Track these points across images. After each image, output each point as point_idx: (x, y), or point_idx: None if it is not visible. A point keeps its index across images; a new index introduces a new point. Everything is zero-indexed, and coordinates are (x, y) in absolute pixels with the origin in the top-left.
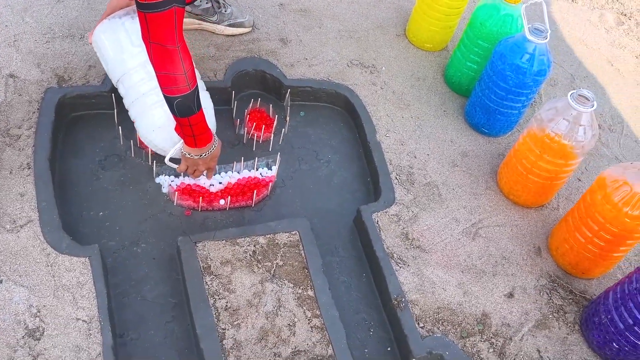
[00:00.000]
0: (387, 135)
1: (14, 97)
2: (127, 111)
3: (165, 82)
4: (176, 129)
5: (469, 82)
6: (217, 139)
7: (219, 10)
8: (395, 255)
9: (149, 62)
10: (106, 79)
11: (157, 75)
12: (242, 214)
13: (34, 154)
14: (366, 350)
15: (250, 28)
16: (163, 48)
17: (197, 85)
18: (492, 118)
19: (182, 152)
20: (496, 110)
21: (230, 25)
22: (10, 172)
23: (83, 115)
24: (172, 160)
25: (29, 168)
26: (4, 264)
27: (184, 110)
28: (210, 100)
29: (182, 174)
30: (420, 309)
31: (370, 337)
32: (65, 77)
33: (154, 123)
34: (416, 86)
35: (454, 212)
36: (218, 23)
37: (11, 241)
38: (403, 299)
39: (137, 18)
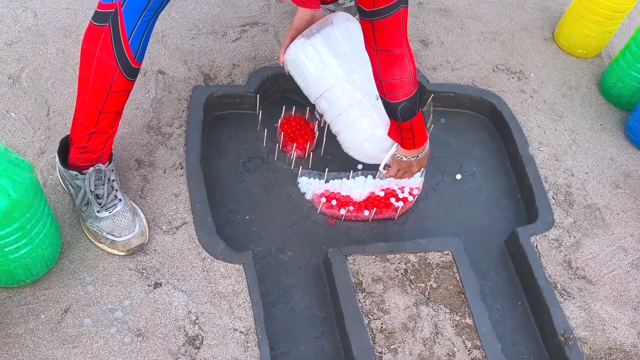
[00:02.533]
0: (540, 149)
1: (163, 94)
2: (269, 112)
3: (391, 88)
4: (391, 134)
5: (631, 95)
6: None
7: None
8: (558, 285)
9: (347, 76)
10: (251, 78)
11: (382, 84)
12: (384, 227)
13: (186, 153)
14: None
15: None
16: (391, 54)
17: (418, 85)
18: None
19: (397, 156)
20: None
21: None
22: (164, 172)
23: (225, 115)
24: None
25: (182, 168)
26: (163, 266)
27: (407, 114)
28: None
29: (324, 179)
30: (590, 348)
31: None
32: (210, 75)
33: (363, 134)
34: (568, 96)
35: (620, 240)
36: None
37: (168, 243)
38: (571, 336)
39: (324, 33)
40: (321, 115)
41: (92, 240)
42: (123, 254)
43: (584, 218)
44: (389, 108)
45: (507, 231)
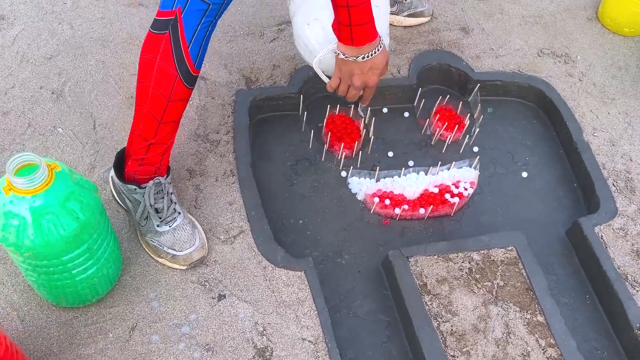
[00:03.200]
0: (595, 134)
1: (207, 100)
2: (312, 112)
3: None
4: (333, 25)
5: None
6: (383, 43)
7: (399, 0)
8: (629, 276)
9: None
10: (292, 79)
11: None
12: (441, 224)
13: (236, 160)
14: None
15: (429, 17)
16: None
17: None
18: None
19: (336, 54)
20: None
21: (409, 16)
22: (216, 180)
23: (269, 118)
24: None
25: (233, 175)
26: (224, 277)
27: None
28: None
29: (375, 177)
30: None
31: None
32: (252, 78)
33: (310, 15)
34: (618, 77)
35: None
36: (397, 14)
37: (227, 253)
38: None
39: None
40: (365, 112)
41: (152, 255)
42: (184, 268)
43: None
44: None
45: (567, 222)
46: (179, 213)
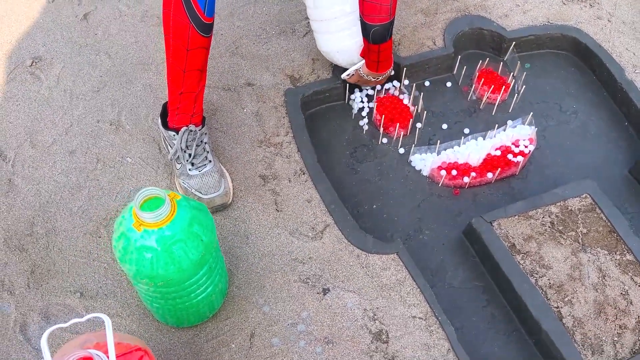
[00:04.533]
0: (636, 71)
1: (259, 105)
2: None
3: (370, 10)
4: (362, 53)
5: None
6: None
7: None
8: None
9: None
10: (335, 70)
11: (363, 3)
12: (509, 185)
13: (303, 159)
14: None
15: None
16: None
17: (394, 18)
18: None
19: (360, 72)
20: None
21: None
22: (289, 181)
23: (319, 111)
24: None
25: (304, 173)
26: (323, 272)
27: (378, 38)
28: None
29: (436, 151)
30: None
31: None
32: (295, 76)
33: (340, 46)
34: None
35: None
36: None
37: (319, 248)
38: None
39: None
40: (410, 89)
41: (182, 195)
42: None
43: None
44: (365, 28)
45: (628, 161)
46: (210, 161)
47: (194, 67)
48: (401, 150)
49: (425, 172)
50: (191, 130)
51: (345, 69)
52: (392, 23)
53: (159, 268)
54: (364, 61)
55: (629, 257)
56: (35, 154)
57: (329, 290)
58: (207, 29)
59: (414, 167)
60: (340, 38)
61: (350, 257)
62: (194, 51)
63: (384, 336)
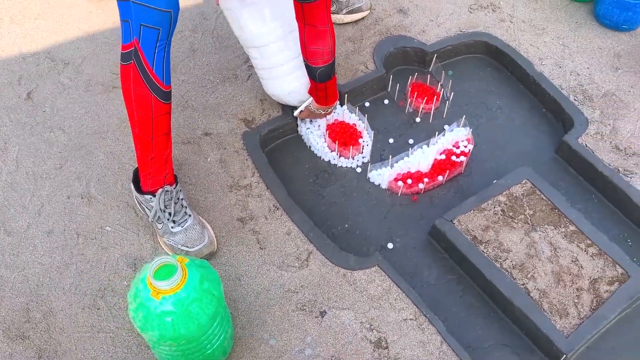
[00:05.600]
0: (543, 63)
1: (221, 152)
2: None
3: (313, 55)
4: (310, 91)
5: None
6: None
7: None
8: (620, 168)
9: (285, 37)
10: (284, 108)
11: (307, 50)
12: (458, 183)
13: (274, 195)
14: (635, 259)
15: (369, 10)
16: (316, 29)
17: (335, 57)
18: (632, 13)
19: (310, 108)
20: (635, 5)
21: (349, 13)
22: (266, 218)
23: (275, 147)
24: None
25: (278, 209)
26: (316, 297)
27: (324, 77)
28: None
29: (389, 165)
30: None
31: (632, 247)
32: (248, 119)
33: (289, 88)
34: (539, 9)
35: None
36: (337, 12)
37: (308, 275)
38: None
39: None
40: (354, 111)
41: (169, 252)
42: None
43: (606, 105)
44: (310, 71)
45: (553, 144)
46: (190, 215)
47: (161, 132)
48: (359, 170)
49: (384, 186)
50: (167, 191)
51: (295, 107)
52: (334, 62)
53: (180, 329)
54: (311, 98)
55: (572, 227)
56: (13, 241)
57: (325, 312)
58: (168, 96)
59: (373, 182)
60: (288, 81)
61: (337, 278)
62: (158, 118)
63: (383, 343)
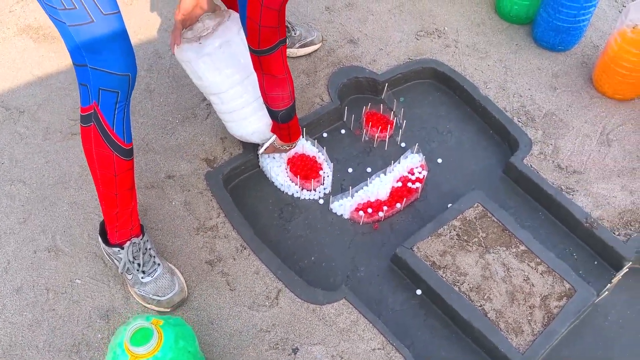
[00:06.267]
0: (488, 87)
1: (185, 194)
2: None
3: (274, 100)
4: (273, 130)
5: (526, 11)
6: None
7: (289, 34)
8: (562, 186)
9: (242, 82)
10: (245, 144)
11: (266, 96)
12: (416, 208)
13: (240, 235)
14: (581, 272)
15: (320, 43)
16: (274, 78)
17: (295, 98)
18: (566, 35)
19: (275, 145)
20: (569, 28)
21: (302, 47)
22: (234, 259)
23: (238, 184)
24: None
25: (245, 248)
26: (288, 334)
27: (285, 118)
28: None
29: (349, 196)
30: (608, 221)
31: (577, 261)
32: (209, 158)
33: (252, 128)
34: (481, 33)
35: (580, 129)
36: (290, 47)
37: (279, 313)
38: (592, 219)
39: (219, 41)
40: (313, 143)
41: (141, 302)
42: (168, 310)
43: (548, 125)
44: (272, 113)
45: (499, 164)
46: (159, 264)
47: (125, 188)
48: (321, 202)
49: (346, 216)
50: (134, 243)
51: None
52: (294, 103)
53: None
54: (274, 136)
55: (522, 247)
56: None
57: (297, 349)
58: (130, 153)
59: (336, 213)
60: (251, 122)
61: (307, 314)
62: (121, 175)
63: None
